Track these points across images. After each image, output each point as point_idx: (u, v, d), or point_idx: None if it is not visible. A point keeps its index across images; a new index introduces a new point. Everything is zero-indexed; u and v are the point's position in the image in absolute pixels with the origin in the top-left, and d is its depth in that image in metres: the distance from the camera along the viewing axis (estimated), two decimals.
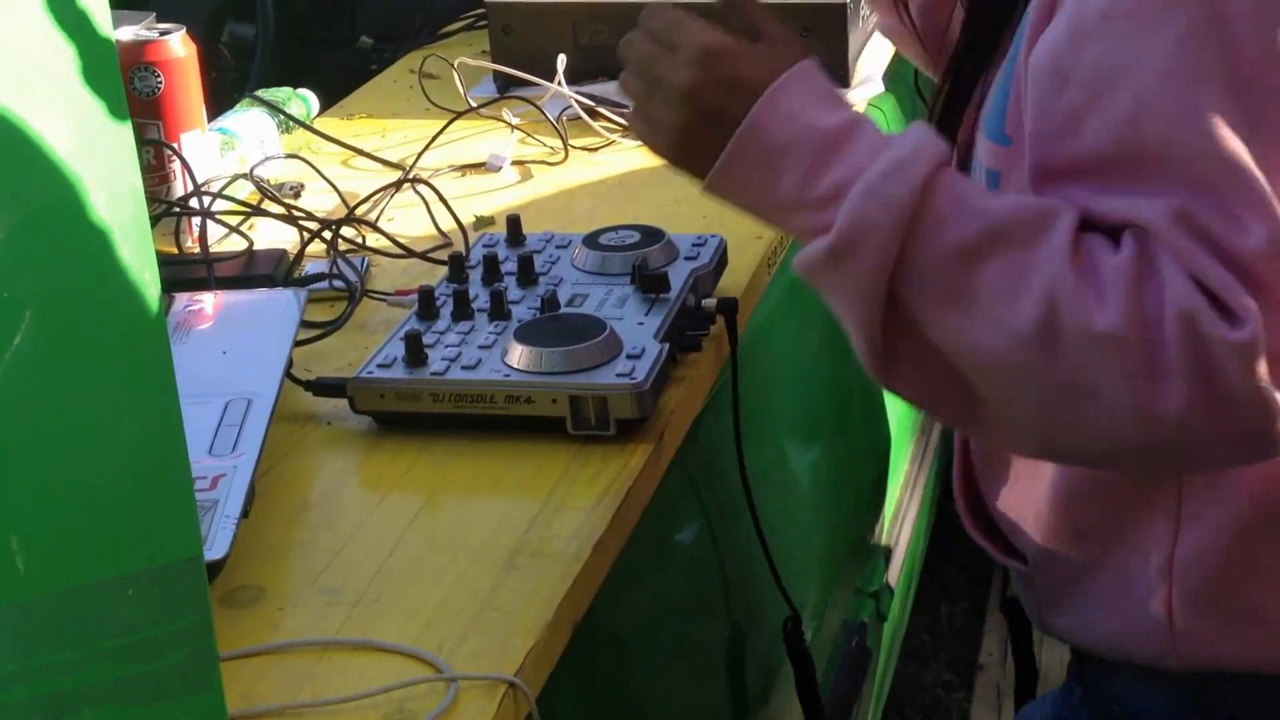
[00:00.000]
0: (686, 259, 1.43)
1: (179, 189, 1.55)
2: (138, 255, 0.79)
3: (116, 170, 0.79)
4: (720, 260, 1.45)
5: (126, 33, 1.54)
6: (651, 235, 1.44)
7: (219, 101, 2.32)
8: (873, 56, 2.00)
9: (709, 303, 1.38)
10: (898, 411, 1.98)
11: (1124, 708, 1.17)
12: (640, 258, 1.40)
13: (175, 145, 1.54)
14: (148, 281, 0.79)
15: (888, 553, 1.91)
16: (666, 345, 1.29)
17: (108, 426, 0.77)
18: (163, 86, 1.52)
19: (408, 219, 1.66)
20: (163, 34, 1.54)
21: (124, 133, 0.80)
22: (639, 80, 1.06)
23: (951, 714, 2.61)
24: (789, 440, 1.66)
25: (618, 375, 1.24)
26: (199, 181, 1.57)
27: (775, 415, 1.62)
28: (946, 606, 2.83)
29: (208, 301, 1.33)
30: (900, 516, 1.99)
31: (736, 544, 1.43)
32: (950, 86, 1.17)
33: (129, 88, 1.52)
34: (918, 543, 2.10)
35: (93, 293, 0.77)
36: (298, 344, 1.33)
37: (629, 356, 1.26)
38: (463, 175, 1.78)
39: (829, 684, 1.58)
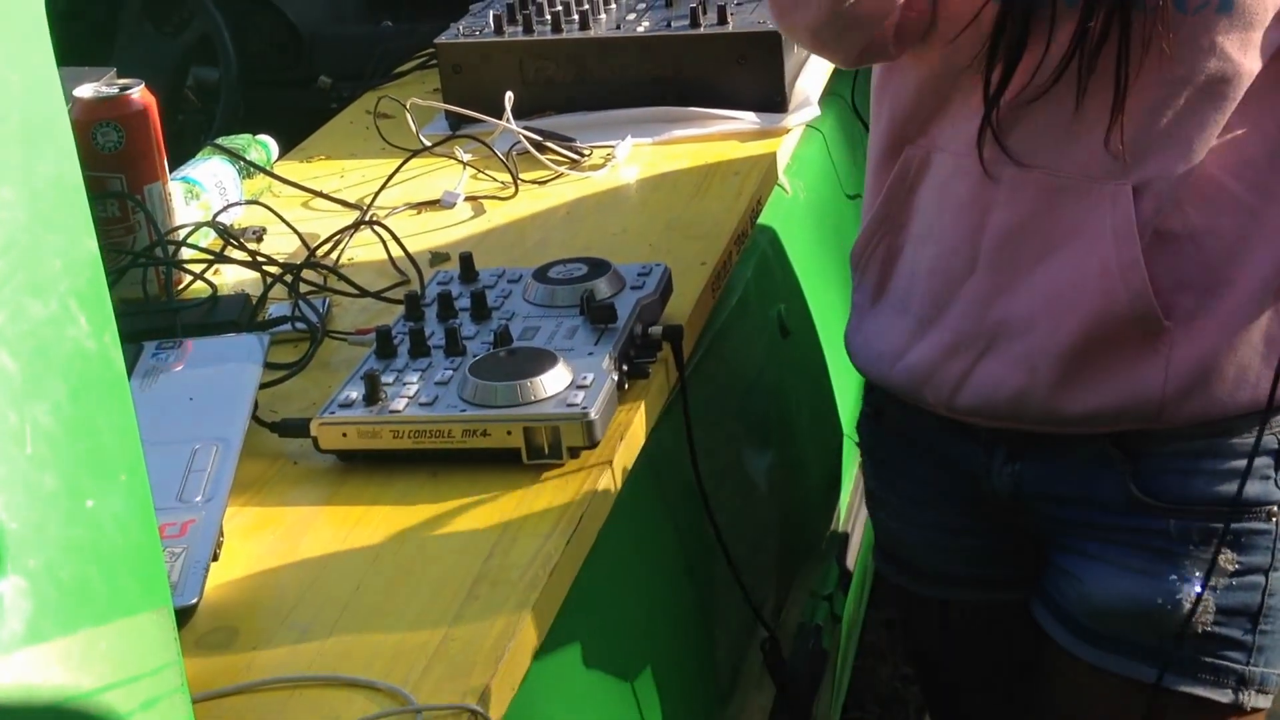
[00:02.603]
0: (633, 289, 1.48)
1: (144, 239, 1.61)
2: (96, 318, 0.82)
3: (73, 238, 0.82)
4: (665, 288, 1.51)
5: (87, 90, 1.59)
6: (598, 267, 1.50)
7: (187, 143, 2.38)
8: (809, 81, 2.06)
9: (655, 330, 1.44)
10: (847, 412, 2.04)
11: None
12: (588, 290, 1.46)
13: (139, 197, 1.59)
14: (108, 344, 0.83)
15: (841, 552, 1.97)
16: (615, 374, 1.35)
17: (75, 486, 0.80)
18: (124, 141, 1.58)
19: (368, 255, 1.71)
20: (122, 90, 1.59)
21: (78, 201, 0.82)
22: None
23: (908, 706, 2.67)
24: (739, 453, 1.72)
25: (569, 405, 1.29)
26: (164, 231, 1.62)
27: (724, 430, 1.68)
28: (893, 615, 2.90)
29: (175, 349, 1.38)
30: (853, 515, 2.05)
31: (694, 562, 1.49)
32: None
33: (91, 143, 1.57)
34: (870, 540, 2.16)
35: (53, 356, 0.80)
36: (264, 386, 1.39)
37: (579, 386, 1.32)
38: (418, 213, 1.84)
39: (788, 685, 1.64)
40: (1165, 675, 1.40)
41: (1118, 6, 1.29)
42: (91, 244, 0.83)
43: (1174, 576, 1.40)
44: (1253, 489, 1.39)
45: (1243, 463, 1.38)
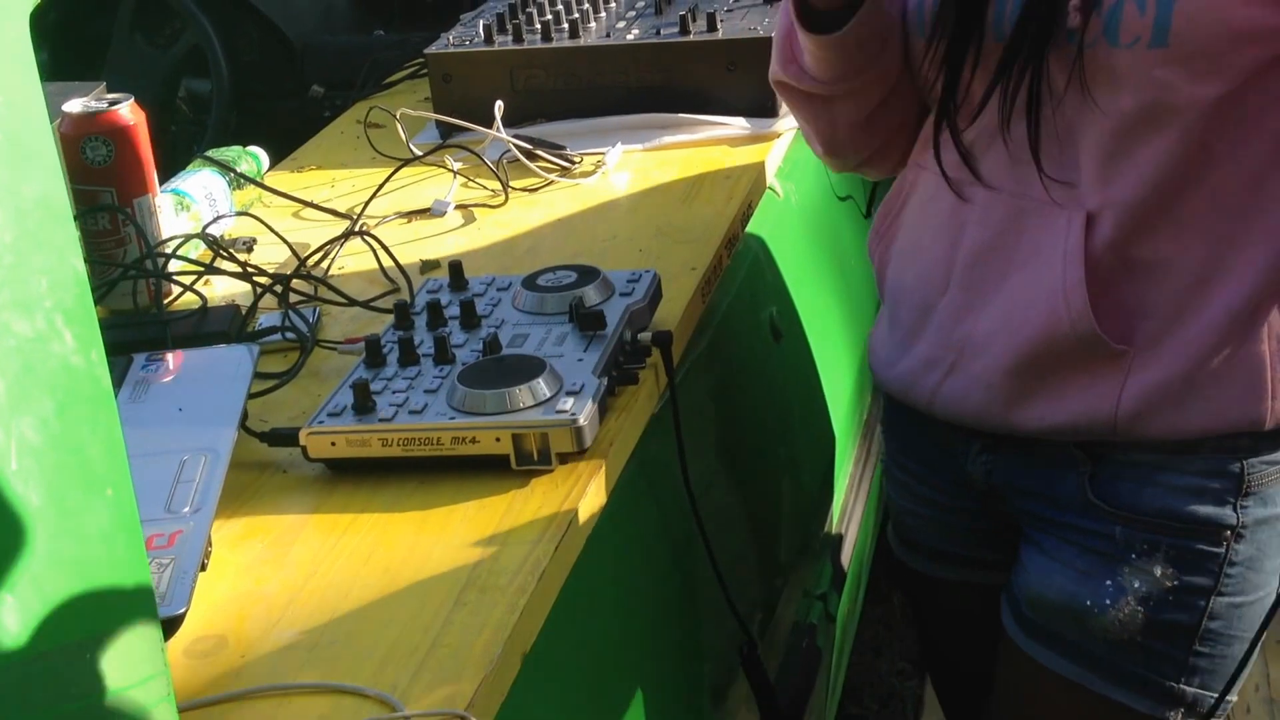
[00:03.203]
0: (622, 295, 1.49)
1: (134, 251, 1.61)
2: (83, 335, 0.83)
3: (59, 257, 0.82)
4: (654, 294, 1.51)
5: (76, 105, 1.60)
6: (587, 274, 1.50)
7: (180, 154, 2.39)
8: None
9: (645, 336, 1.45)
10: (841, 415, 2.05)
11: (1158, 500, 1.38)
12: (577, 297, 1.46)
13: (129, 210, 1.60)
14: (95, 361, 0.84)
15: (836, 552, 1.97)
16: (604, 380, 1.35)
17: (61, 501, 0.81)
18: (114, 154, 1.58)
19: (358, 265, 1.72)
20: (112, 104, 1.59)
21: (64, 220, 0.84)
22: None
23: (906, 701, 2.69)
24: (732, 455, 1.72)
25: (558, 412, 1.30)
26: (154, 243, 1.62)
27: (717, 433, 1.68)
28: (899, 597, 2.92)
29: (164, 360, 1.39)
30: (846, 516, 2.05)
31: (684, 565, 1.49)
32: None
33: (81, 158, 1.58)
34: (865, 540, 2.16)
35: (40, 372, 0.81)
36: (254, 395, 1.39)
37: (568, 393, 1.32)
38: (409, 221, 1.84)
39: (782, 685, 1.64)
40: (1090, 677, 1.42)
41: (1039, 41, 1.31)
42: (78, 262, 0.83)
43: (1109, 582, 1.41)
44: (1205, 509, 1.39)
45: (1198, 481, 1.38)
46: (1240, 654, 1.42)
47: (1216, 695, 1.42)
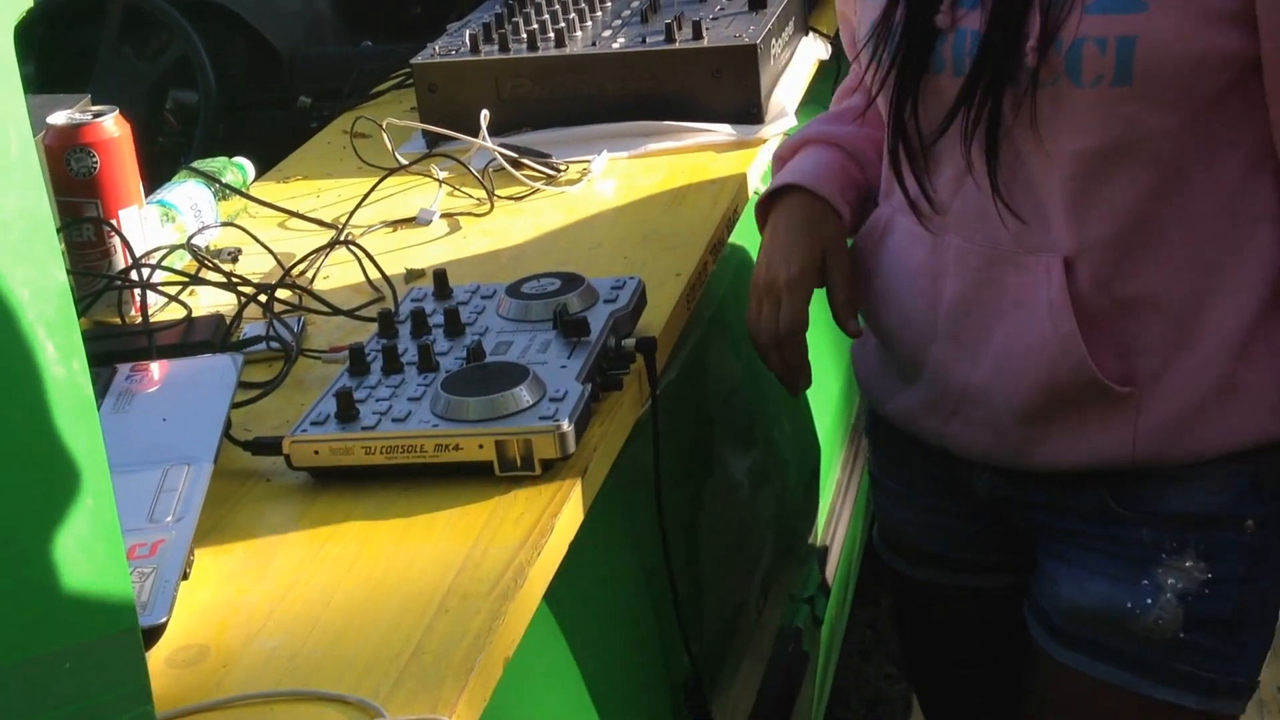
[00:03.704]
0: (606, 302, 1.49)
1: (120, 262, 1.62)
2: (65, 346, 0.84)
3: (42, 268, 0.83)
4: (639, 301, 1.52)
5: (60, 117, 1.60)
6: (572, 281, 1.51)
7: (168, 165, 2.39)
8: (785, 93, 2.07)
9: (629, 342, 1.45)
10: (827, 420, 2.05)
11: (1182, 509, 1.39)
12: (561, 304, 1.46)
13: (114, 222, 1.60)
14: (76, 371, 0.84)
15: (822, 557, 1.98)
16: (588, 386, 1.35)
17: (42, 512, 0.82)
18: (99, 166, 1.59)
19: (343, 274, 1.72)
20: (96, 116, 1.60)
21: (47, 232, 0.84)
22: None
23: (895, 704, 2.70)
24: (718, 461, 1.73)
25: (541, 418, 1.30)
26: (140, 254, 1.63)
27: (703, 439, 1.69)
28: (888, 601, 2.93)
29: (148, 370, 1.39)
30: (833, 521, 2.06)
31: (662, 577, 1.49)
32: (998, 15, 1.32)
33: (66, 169, 1.58)
34: (852, 545, 2.17)
35: (21, 382, 0.82)
36: (238, 405, 1.40)
37: (552, 399, 1.33)
38: (394, 230, 1.85)
39: (768, 689, 1.65)
40: (1136, 679, 1.42)
41: (998, 75, 1.31)
42: (60, 274, 0.84)
43: (1145, 581, 1.41)
44: (1226, 504, 1.39)
45: (1217, 481, 1.39)
46: (1269, 637, 1.44)
47: (1248, 680, 1.44)
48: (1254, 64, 1.29)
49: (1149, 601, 1.40)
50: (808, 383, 1.54)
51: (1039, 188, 1.34)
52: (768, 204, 1.57)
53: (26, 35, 2.83)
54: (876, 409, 1.58)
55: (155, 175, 1.93)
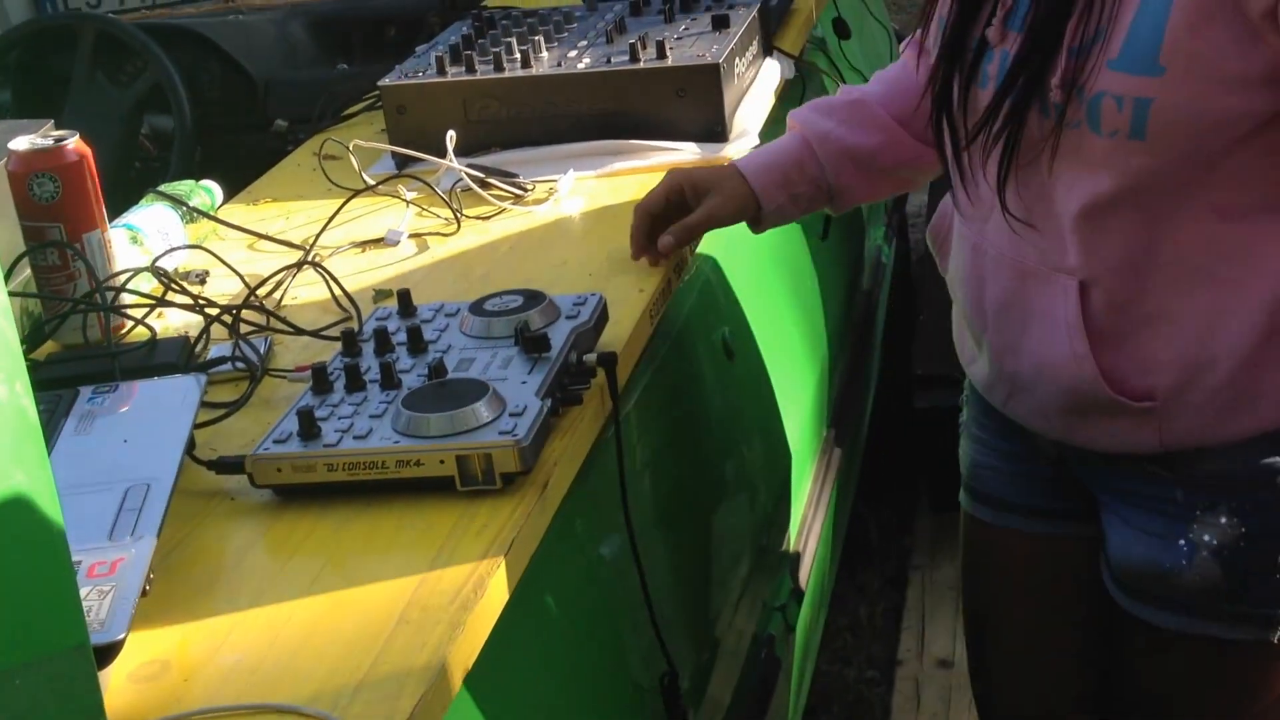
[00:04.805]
0: (568, 318, 1.50)
1: (84, 286, 1.63)
2: (7, 368, 0.84)
3: None
4: (601, 316, 1.53)
5: (22, 142, 1.61)
6: (533, 298, 1.52)
7: (143, 191, 2.40)
8: (749, 112, 2.09)
9: (590, 357, 1.46)
10: (797, 432, 2.06)
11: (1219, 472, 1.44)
12: (522, 321, 1.48)
13: (77, 246, 1.61)
14: (19, 392, 0.85)
15: (794, 565, 1.99)
16: (548, 401, 1.37)
17: None
18: (61, 191, 1.60)
19: (312, 295, 1.73)
20: (58, 141, 1.61)
21: None
22: None
23: (874, 708, 2.71)
24: (687, 474, 1.74)
25: (501, 433, 1.31)
26: (104, 277, 1.64)
27: (672, 452, 1.70)
28: (866, 609, 2.96)
29: (110, 392, 1.40)
30: (805, 531, 2.07)
31: (629, 584, 1.50)
32: (1028, 47, 1.37)
33: (28, 194, 1.59)
34: (825, 553, 2.18)
35: None
36: (203, 425, 1.41)
37: (511, 415, 1.34)
38: (363, 251, 1.86)
39: (741, 695, 1.66)
40: (1201, 624, 1.48)
41: (1016, 105, 1.36)
42: (1, 295, 0.84)
43: (1181, 542, 1.46)
44: (1258, 464, 1.43)
45: (1246, 450, 1.43)
46: None
47: None
48: (1268, 118, 1.31)
49: (1184, 562, 1.46)
50: (638, 254, 1.71)
51: (1058, 215, 1.40)
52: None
53: (1, 62, 2.84)
54: (965, 369, 1.66)
55: (130, 201, 1.94)
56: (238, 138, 2.83)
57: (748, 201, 1.70)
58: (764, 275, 2.13)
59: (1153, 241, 1.37)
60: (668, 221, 1.70)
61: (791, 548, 2.02)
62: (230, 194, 2.08)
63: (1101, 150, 1.34)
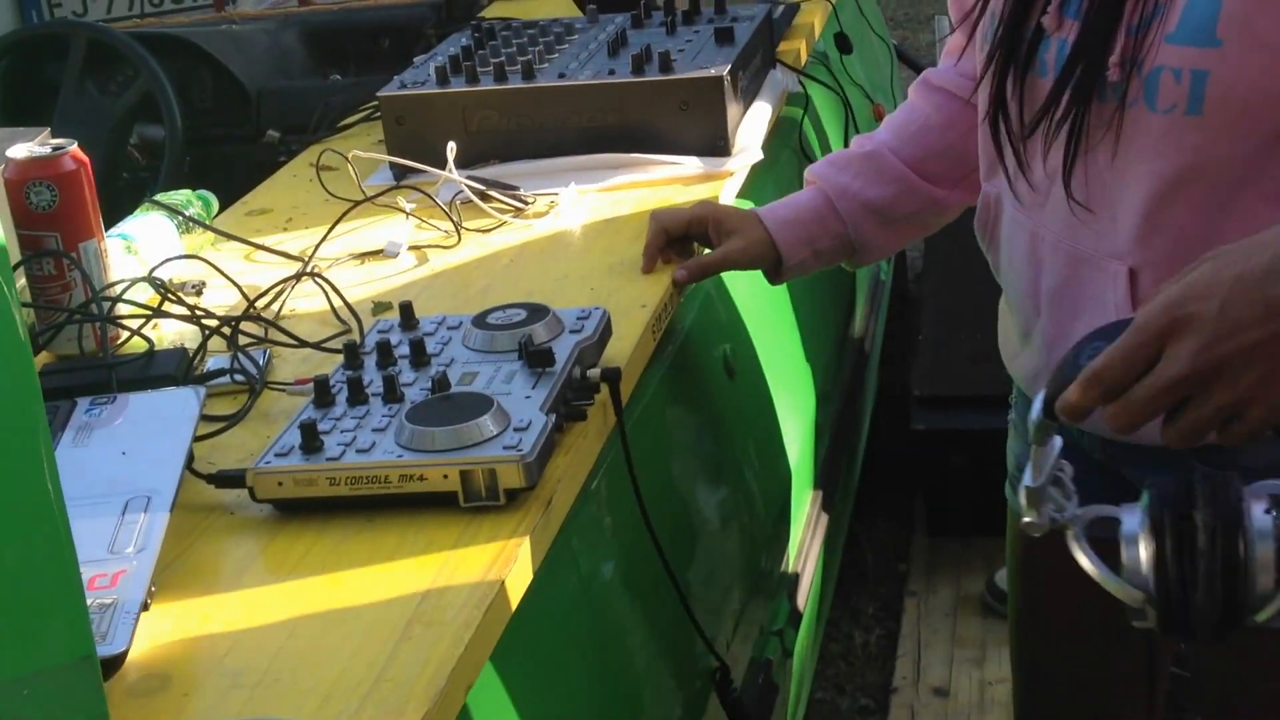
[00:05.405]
0: (571, 332, 1.49)
1: (80, 296, 1.61)
2: (19, 380, 0.83)
3: None
4: (604, 331, 1.51)
5: (20, 150, 1.59)
6: (537, 312, 1.50)
7: (134, 200, 2.38)
8: (751, 126, 2.08)
9: (593, 373, 1.45)
10: (797, 453, 2.05)
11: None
12: (526, 335, 1.46)
13: (74, 255, 1.59)
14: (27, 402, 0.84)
15: (792, 589, 1.97)
16: (552, 416, 1.35)
17: None
18: (58, 200, 1.58)
19: (311, 306, 1.72)
20: (55, 150, 1.59)
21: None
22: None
23: None
24: (686, 493, 1.72)
25: (505, 448, 1.30)
26: (100, 287, 1.62)
27: (671, 470, 1.69)
28: (861, 635, 2.93)
29: (108, 404, 1.38)
30: (803, 554, 2.05)
31: (632, 600, 1.49)
32: (1087, 31, 1.36)
33: (25, 203, 1.57)
34: (822, 577, 2.16)
35: None
36: (202, 438, 1.39)
37: (516, 429, 1.32)
38: (362, 263, 1.84)
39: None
40: None
41: (1078, 89, 1.35)
42: (16, 314, 0.83)
43: None
44: None
45: None
46: None
47: None
48: None
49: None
50: (649, 267, 1.73)
51: (1115, 202, 1.39)
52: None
53: None
54: (1006, 366, 1.64)
55: (121, 210, 1.92)
56: (228, 148, 2.81)
57: (768, 252, 1.72)
58: (764, 293, 2.11)
59: (1207, 229, 1.36)
60: (681, 243, 1.74)
61: (790, 569, 2.00)
62: (220, 205, 2.05)
63: (1158, 128, 1.34)
